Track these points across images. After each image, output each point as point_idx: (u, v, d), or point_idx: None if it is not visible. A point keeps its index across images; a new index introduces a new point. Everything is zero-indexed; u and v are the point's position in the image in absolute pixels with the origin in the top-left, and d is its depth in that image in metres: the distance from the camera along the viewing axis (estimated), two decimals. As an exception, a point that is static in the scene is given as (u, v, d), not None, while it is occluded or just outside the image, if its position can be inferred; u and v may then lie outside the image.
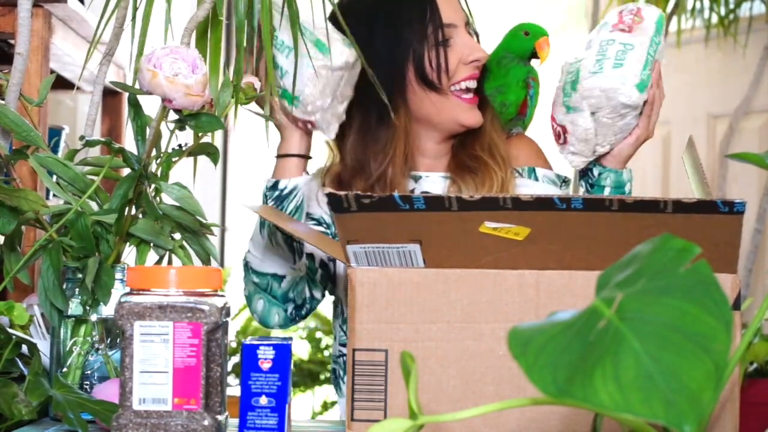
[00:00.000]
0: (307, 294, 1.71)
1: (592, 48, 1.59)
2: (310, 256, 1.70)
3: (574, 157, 1.60)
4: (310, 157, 1.63)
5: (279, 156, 1.62)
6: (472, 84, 1.69)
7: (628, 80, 1.54)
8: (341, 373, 1.77)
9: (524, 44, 1.74)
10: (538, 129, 1.82)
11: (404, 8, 1.67)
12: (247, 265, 1.69)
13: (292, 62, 1.50)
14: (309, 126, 1.58)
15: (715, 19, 3.41)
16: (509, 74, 1.75)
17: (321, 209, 1.71)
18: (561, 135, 1.60)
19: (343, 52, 1.52)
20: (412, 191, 1.69)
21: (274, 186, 1.62)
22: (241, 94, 1.42)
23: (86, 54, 1.51)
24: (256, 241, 1.66)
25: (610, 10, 3.59)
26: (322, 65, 1.51)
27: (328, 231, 1.70)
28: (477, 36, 1.73)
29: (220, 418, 1.13)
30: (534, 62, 1.78)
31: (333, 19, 1.57)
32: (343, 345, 1.76)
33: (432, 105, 1.68)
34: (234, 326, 3.94)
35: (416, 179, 1.73)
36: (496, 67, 1.75)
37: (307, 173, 1.64)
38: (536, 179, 1.74)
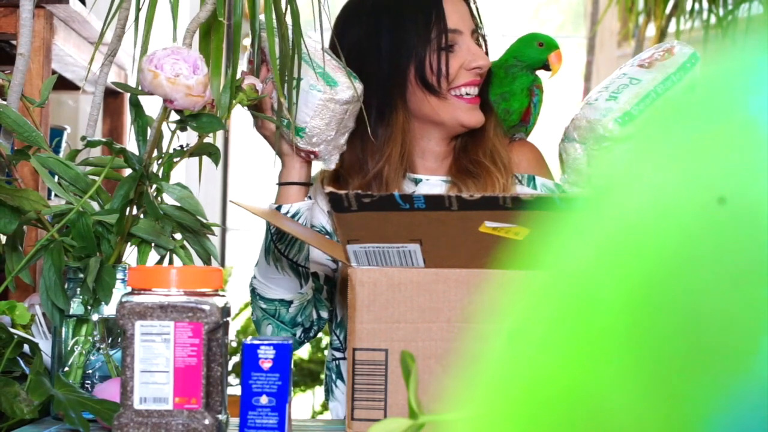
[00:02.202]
0: (315, 316, 1.70)
1: (604, 82, 1.61)
2: (315, 275, 1.70)
3: (571, 187, 1.61)
4: (311, 184, 1.64)
5: (280, 184, 1.63)
6: (473, 90, 1.69)
7: (611, 113, 1.55)
8: (333, 377, 1.77)
9: (537, 55, 1.74)
10: (541, 135, 1.83)
11: (410, 9, 1.68)
12: (254, 291, 1.68)
13: (300, 95, 1.52)
14: (311, 156, 1.59)
15: (714, 20, 3.41)
16: (515, 82, 1.75)
17: (323, 218, 1.72)
18: (560, 163, 1.62)
19: (349, 86, 1.53)
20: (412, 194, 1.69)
21: (278, 210, 1.62)
22: (242, 95, 1.42)
23: (91, 55, 1.52)
24: (262, 268, 1.66)
25: (609, 11, 3.59)
26: (329, 98, 1.52)
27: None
28: (485, 43, 1.73)
29: (220, 417, 1.13)
30: (542, 73, 1.78)
31: (333, 47, 1.58)
32: (336, 349, 1.77)
33: (431, 107, 1.68)
34: (234, 326, 3.94)
35: (416, 182, 1.73)
36: (503, 74, 1.75)
37: (309, 198, 1.65)
38: (535, 188, 1.74)
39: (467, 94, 1.68)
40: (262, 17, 1.57)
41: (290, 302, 1.65)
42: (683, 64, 1.59)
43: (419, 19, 1.67)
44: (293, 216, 1.60)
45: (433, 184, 1.73)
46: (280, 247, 1.63)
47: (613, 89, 1.57)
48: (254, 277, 1.68)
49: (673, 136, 0.38)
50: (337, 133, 1.55)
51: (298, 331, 1.68)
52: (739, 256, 0.34)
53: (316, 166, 1.70)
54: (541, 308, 0.38)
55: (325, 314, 1.72)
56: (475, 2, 1.73)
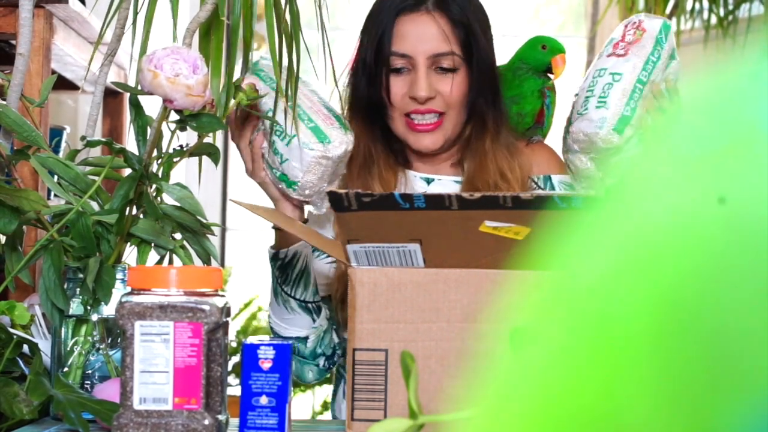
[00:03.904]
0: (336, 340, 1.71)
1: (587, 80, 1.60)
2: (326, 300, 1.70)
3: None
4: (306, 220, 1.65)
5: (275, 228, 1.63)
6: (420, 117, 1.66)
7: (606, 123, 1.54)
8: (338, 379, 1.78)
9: (540, 57, 1.73)
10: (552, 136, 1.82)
11: (371, 27, 1.67)
12: (272, 329, 1.70)
13: (291, 149, 1.52)
14: (303, 203, 1.60)
15: (714, 20, 3.41)
16: (524, 85, 1.74)
17: (333, 231, 1.72)
18: (570, 173, 1.63)
19: (342, 141, 1.52)
20: (412, 194, 1.70)
21: (275, 256, 1.63)
22: (242, 95, 1.42)
23: (89, 55, 1.51)
24: (274, 308, 1.68)
25: (609, 11, 3.59)
26: (321, 155, 1.51)
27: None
28: (471, 61, 1.66)
29: (220, 417, 1.13)
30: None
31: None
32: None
33: (392, 122, 1.68)
34: (234, 326, 3.94)
35: (428, 182, 1.73)
36: (512, 77, 1.75)
37: None
38: (552, 188, 1.72)
39: (414, 119, 1.66)
40: (258, 57, 1.58)
41: (306, 338, 1.66)
42: (657, 39, 1.59)
43: (374, 38, 1.65)
44: (291, 259, 1.62)
45: (444, 184, 1.73)
46: (286, 289, 1.64)
47: (599, 92, 1.56)
48: (269, 316, 1.70)
49: (693, 143, 0.37)
50: (330, 182, 1.56)
51: (321, 361, 1.69)
52: (766, 270, 0.34)
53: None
54: (553, 313, 0.37)
55: (345, 334, 1.73)
56: (455, 23, 1.65)
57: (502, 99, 1.71)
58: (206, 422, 1.11)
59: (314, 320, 1.66)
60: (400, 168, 1.73)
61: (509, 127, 1.73)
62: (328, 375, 1.76)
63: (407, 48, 1.64)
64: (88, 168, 1.39)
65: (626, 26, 1.62)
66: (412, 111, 1.65)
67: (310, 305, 1.65)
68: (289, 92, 1.48)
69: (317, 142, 1.52)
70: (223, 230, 4.40)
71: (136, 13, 1.47)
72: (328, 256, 1.70)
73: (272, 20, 1.45)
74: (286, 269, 1.64)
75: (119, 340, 1.32)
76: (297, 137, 1.50)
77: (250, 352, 1.18)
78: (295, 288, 1.64)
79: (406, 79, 1.65)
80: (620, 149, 1.55)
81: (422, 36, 1.64)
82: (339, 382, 1.80)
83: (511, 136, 1.72)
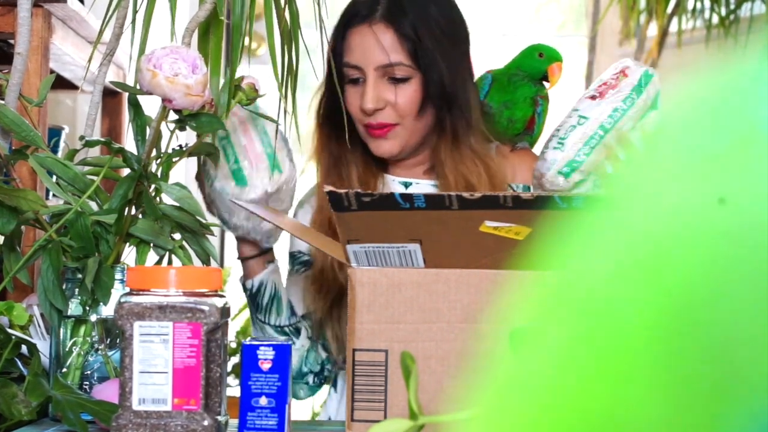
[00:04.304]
0: (323, 355, 1.72)
1: (565, 117, 1.61)
2: (305, 317, 1.73)
3: None
4: (269, 249, 1.68)
5: (240, 259, 1.68)
6: (374, 124, 1.68)
7: (555, 165, 1.56)
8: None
9: (537, 65, 1.74)
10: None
11: (332, 37, 1.69)
12: None
13: (213, 192, 1.56)
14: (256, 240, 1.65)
15: (715, 19, 3.41)
16: (517, 91, 1.75)
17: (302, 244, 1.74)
18: None
19: (262, 184, 1.54)
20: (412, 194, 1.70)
21: (244, 287, 1.70)
22: (241, 95, 1.42)
23: (89, 54, 1.51)
24: (255, 334, 1.74)
25: (610, 11, 3.59)
26: (237, 198, 1.54)
27: (309, 261, 1.73)
28: (406, 80, 1.66)
29: (220, 418, 1.13)
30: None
31: None
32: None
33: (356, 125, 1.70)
34: (234, 326, 3.94)
35: (406, 185, 1.75)
36: (507, 82, 1.75)
37: (271, 262, 1.69)
38: None
39: (370, 127, 1.68)
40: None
41: None
42: (634, 87, 1.59)
43: (331, 50, 1.66)
44: (258, 288, 1.67)
45: (422, 188, 1.74)
46: (260, 317, 1.69)
47: (563, 133, 1.58)
48: None
49: (694, 143, 0.37)
50: (275, 216, 1.55)
51: (310, 378, 1.73)
52: None
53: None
54: (553, 313, 0.37)
55: (333, 344, 1.74)
56: (403, 34, 1.65)
57: (468, 105, 1.70)
58: (205, 423, 1.11)
59: (294, 343, 1.70)
60: (378, 171, 1.74)
61: (480, 133, 1.72)
62: (320, 390, 1.78)
63: (357, 59, 1.66)
64: (86, 168, 1.39)
65: (614, 68, 1.63)
66: (365, 123, 1.68)
67: (287, 329, 1.69)
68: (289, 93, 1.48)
69: (234, 186, 1.54)
70: (223, 230, 4.40)
71: (135, 13, 1.46)
72: (306, 270, 1.72)
73: (271, 20, 1.45)
74: (256, 298, 1.69)
75: (118, 340, 1.31)
76: (214, 180, 1.52)
77: (249, 353, 1.18)
78: (268, 315, 1.68)
79: (359, 90, 1.67)
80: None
81: (369, 48, 1.66)
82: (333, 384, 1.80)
83: (481, 142, 1.71)
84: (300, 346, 1.70)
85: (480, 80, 1.77)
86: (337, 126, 1.66)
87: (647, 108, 1.59)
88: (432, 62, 1.66)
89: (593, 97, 1.59)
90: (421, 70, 1.66)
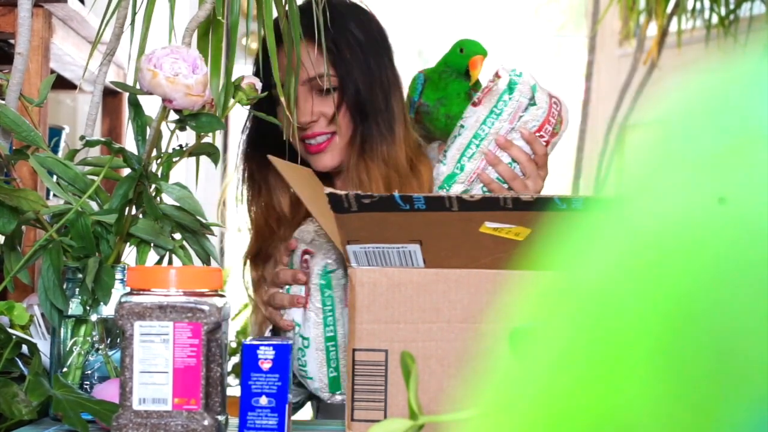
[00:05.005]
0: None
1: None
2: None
3: None
4: None
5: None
6: (312, 140, 1.71)
7: (438, 180, 1.59)
8: None
9: (459, 61, 1.75)
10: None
11: (257, 60, 1.67)
12: None
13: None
14: None
15: (715, 19, 3.41)
16: (449, 87, 1.77)
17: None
18: None
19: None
20: (412, 195, 1.71)
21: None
22: (241, 95, 1.42)
23: (88, 54, 1.51)
24: None
25: (610, 10, 3.59)
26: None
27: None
28: (334, 90, 1.70)
29: (220, 418, 1.13)
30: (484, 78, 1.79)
31: None
32: None
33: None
34: (234, 326, 3.94)
35: None
36: (438, 80, 1.76)
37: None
38: None
39: (308, 142, 1.71)
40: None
41: None
42: (504, 90, 1.60)
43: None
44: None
45: None
46: None
47: (447, 145, 1.62)
48: None
49: (694, 143, 0.37)
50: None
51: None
52: None
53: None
54: (553, 313, 0.37)
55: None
56: (323, 48, 1.63)
57: (386, 115, 1.73)
58: (206, 423, 1.11)
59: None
60: (327, 185, 1.75)
61: (406, 140, 1.74)
62: (302, 408, 1.81)
63: (284, 77, 1.67)
64: (87, 168, 1.39)
65: (491, 73, 1.64)
66: (303, 136, 1.70)
67: None
68: (290, 92, 1.48)
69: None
70: (223, 230, 4.40)
71: (134, 12, 1.47)
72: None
73: (271, 20, 1.45)
74: None
75: (118, 340, 1.31)
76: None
77: (249, 353, 1.18)
78: None
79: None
80: None
81: (307, 59, 1.69)
82: None
83: (402, 150, 1.74)
84: None
85: (413, 80, 1.79)
86: (262, 151, 1.66)
87: (524, 107, 1.60)
88: (348, 72, 1.71)
89: (474, 104, 1.62)
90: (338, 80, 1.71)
